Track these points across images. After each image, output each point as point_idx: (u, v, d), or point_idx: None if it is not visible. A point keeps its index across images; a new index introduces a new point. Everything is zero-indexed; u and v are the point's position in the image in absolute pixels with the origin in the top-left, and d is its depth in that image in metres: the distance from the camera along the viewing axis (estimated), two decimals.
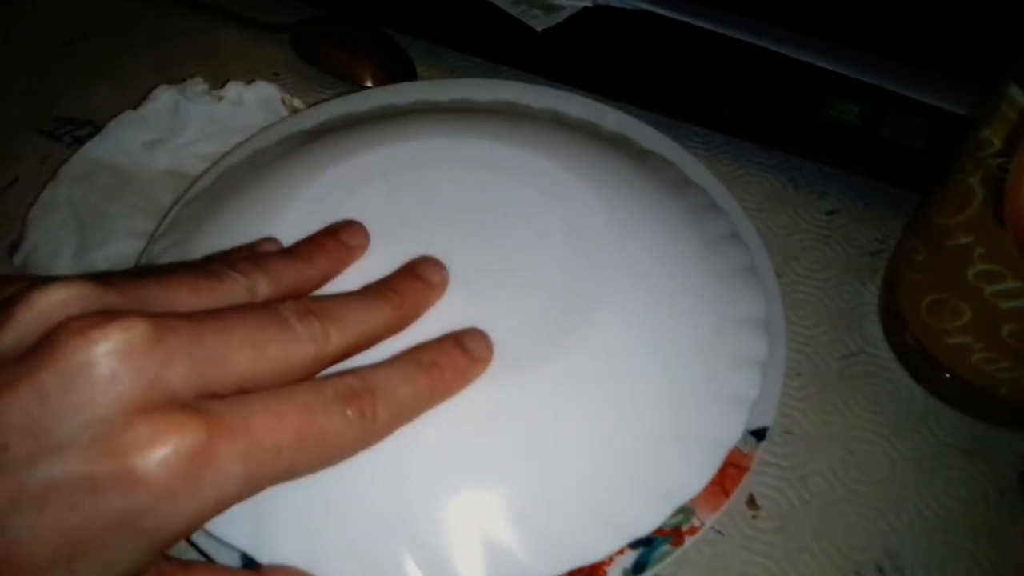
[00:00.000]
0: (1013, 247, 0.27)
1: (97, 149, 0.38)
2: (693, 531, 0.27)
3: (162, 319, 0.20)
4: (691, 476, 0.26)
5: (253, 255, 0.26)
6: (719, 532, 0.30)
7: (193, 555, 0.26)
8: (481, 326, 0.26)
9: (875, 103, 0.40)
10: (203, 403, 0.20)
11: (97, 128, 0.40)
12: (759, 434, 0.28)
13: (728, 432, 0.27)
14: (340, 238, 0.27)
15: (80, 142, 0.40)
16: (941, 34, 0.43)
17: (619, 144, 0.36)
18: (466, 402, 0.24)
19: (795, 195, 0.40)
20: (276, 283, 0.25)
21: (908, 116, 0.39)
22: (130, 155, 0.38)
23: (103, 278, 0.21)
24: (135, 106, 0.39)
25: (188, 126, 0.39)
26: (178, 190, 0.36)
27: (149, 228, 0.35)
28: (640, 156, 0.35)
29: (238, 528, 0.24)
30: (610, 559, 0.26)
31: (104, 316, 0.19)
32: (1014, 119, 0.27)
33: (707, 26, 0.43)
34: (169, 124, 0.39)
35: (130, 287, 0.21)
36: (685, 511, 0.27)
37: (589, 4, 0.45)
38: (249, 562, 0.25)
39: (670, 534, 0.26)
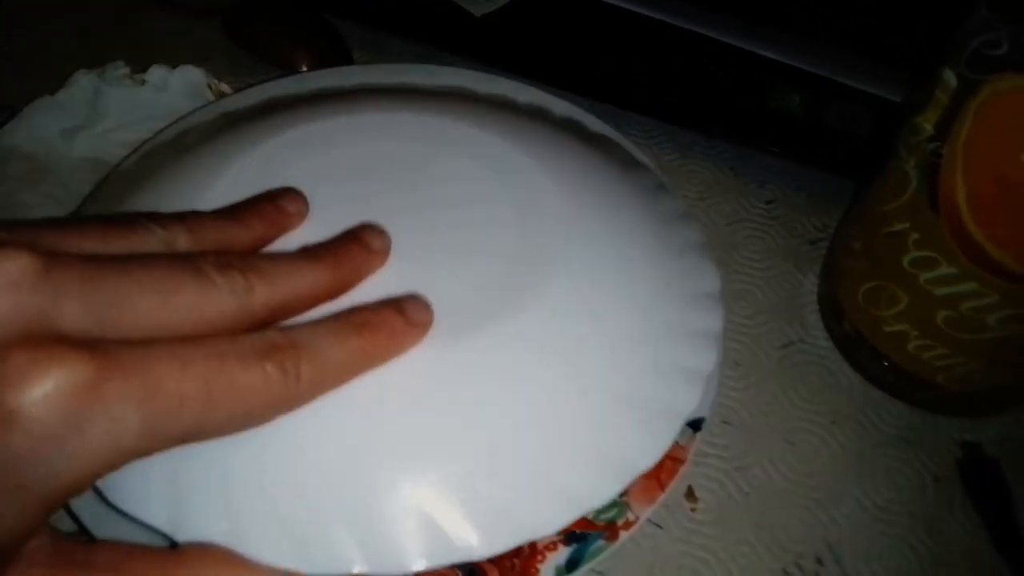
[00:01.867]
0: (947, 233, 0.27)
1: (11, 136, 0.36)
2: (628, 525, 0.26)
3: (53, 255, 0.18)
4: (645, 446, 0.24)
5: (177, 213, 0.24)
6: (657, 525, 0.29)
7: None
8: (423, 294, 0.24)
9: (817, 92, 0.40)
10: (95, 342, 0.18)
11: (14, 114, 0.38)
12: (695, 425, 0.28)
13: (682, 402, 0.25)
14: (277, 203, 0.26)
15: None
16: (882, 21, 0.43)
17: (567, 127, 0.35)
18: (405, 368, 0.23)
19: (735, 184, 0.39)
20: (199, 240, 0.22)
21: (850, 104, 0.39)
22: (46, 143, 0.36)
23: None
24: (52, 91, 0.37)
25: (108, 112, 0.37)
26: (98, 179, 0.35)
27: None
28: (589, 138, 0.34)
29: (153, 505, 0.22)
30: (542, 556, 0.25)
31: None
32: (947, 104, 0.26)
33: (648, 13, 0.42)
34: (88, 110, 0.37)
35: (22, 228, 0.19)
36: (619, 505, 0.26)
37: None
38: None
39: (604, 529, 0.26)
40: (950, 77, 0.26)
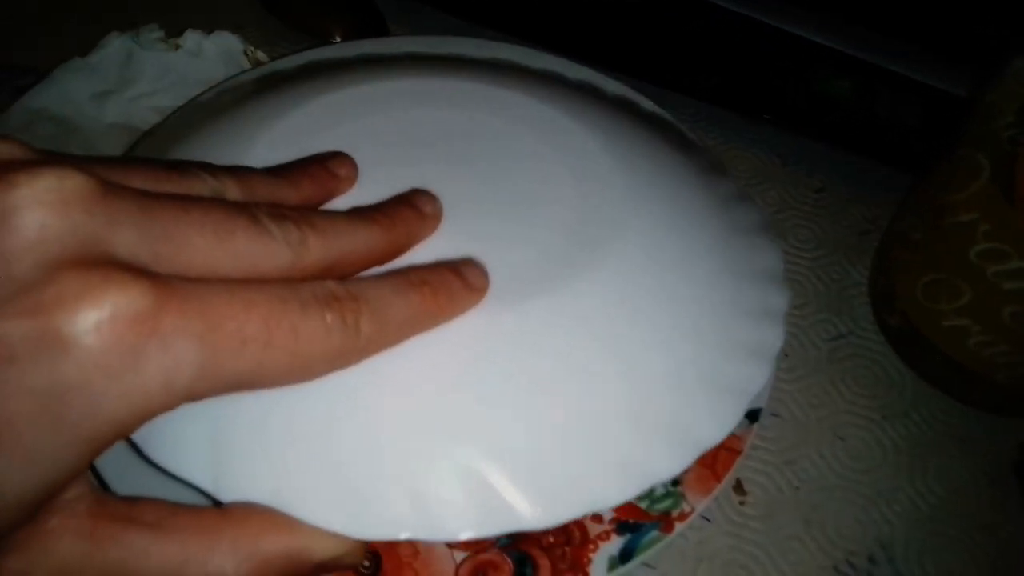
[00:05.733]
0: (1022, 225, 0.26)
1: (39, 98, 0.35)
2: (683, 517, 0.25)
3: (108, 181, 0.17)
4: (711, 421, 0.23)
5: (227, 165, 0.23)
6: (705, 518, 0.28)
7: None
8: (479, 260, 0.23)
9: (868, 79, 0.39)
10: (153, 270, 0.16)
11: (40, 77, 0.37)
12: (752, 416, 0.27)
13: (749, 380, 0.24)
14: (327, 165, 0.25)
15: (21, 92, 0.36)
16: (936, 8, 0.42)
17: (622, 104, 0.34)
18: (463, 333, 0.22)
19: (784, 172, 0.38)
20: (248, 192, 0.21)
21: (901, 93, 0.38)
22: (76, 106, 0.35)
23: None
24: (83, 54, 0.36)
25: (141, 77, 0.36)
26: (128, 146, 0.33)
27: None
28: (644, 117, 0.33)
29: (196, 462, 0.21)
30: (595, 545, 0.24)
31: (34, 162, 0.16)
32: None
33: None
34: (120, 74, 0.36)
35: (71, 158, 0.18)
36: (674, 495, 0.25)
37: None
38: None
39: (659, 519, 0.25)
40: None
